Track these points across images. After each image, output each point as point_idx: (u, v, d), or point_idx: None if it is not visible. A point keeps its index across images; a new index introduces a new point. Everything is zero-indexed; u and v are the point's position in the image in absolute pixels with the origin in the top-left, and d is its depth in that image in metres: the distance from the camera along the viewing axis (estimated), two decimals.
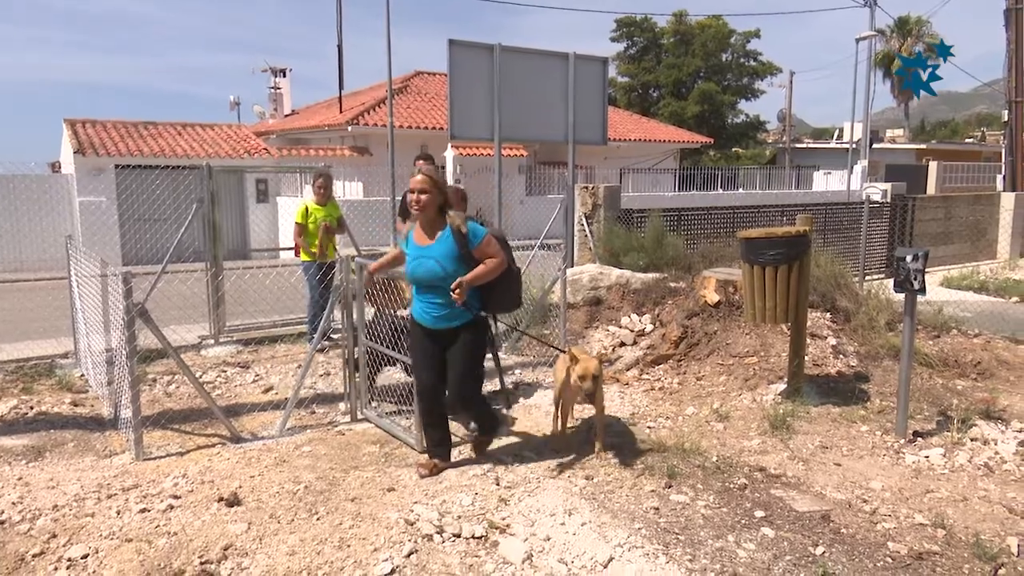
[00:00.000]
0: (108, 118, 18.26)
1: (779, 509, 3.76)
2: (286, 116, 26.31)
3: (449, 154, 19.31)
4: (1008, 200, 17.15)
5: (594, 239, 9.46)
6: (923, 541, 3.46)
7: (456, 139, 8.13)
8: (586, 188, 9.75)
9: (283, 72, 26.26)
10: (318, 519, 3.60)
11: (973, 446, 4.50)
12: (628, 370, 6.17)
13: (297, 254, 7.38)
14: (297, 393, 5.05)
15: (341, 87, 22.27)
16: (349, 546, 3.34)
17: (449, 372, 4.08)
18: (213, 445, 4.65)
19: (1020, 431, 4.68)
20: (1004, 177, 18.36)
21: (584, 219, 9.60)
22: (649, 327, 6.73)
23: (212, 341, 7.33)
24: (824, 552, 3.34)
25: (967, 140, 46.93)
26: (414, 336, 4.17)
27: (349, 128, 20.15)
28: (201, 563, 3.18)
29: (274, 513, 3.65)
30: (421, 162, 6.65)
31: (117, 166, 16.07)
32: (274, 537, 3.42)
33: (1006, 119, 18.56)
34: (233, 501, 3.74)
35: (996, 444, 4.51)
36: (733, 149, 39.31)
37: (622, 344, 6.66)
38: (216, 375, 6.33)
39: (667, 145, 27.09)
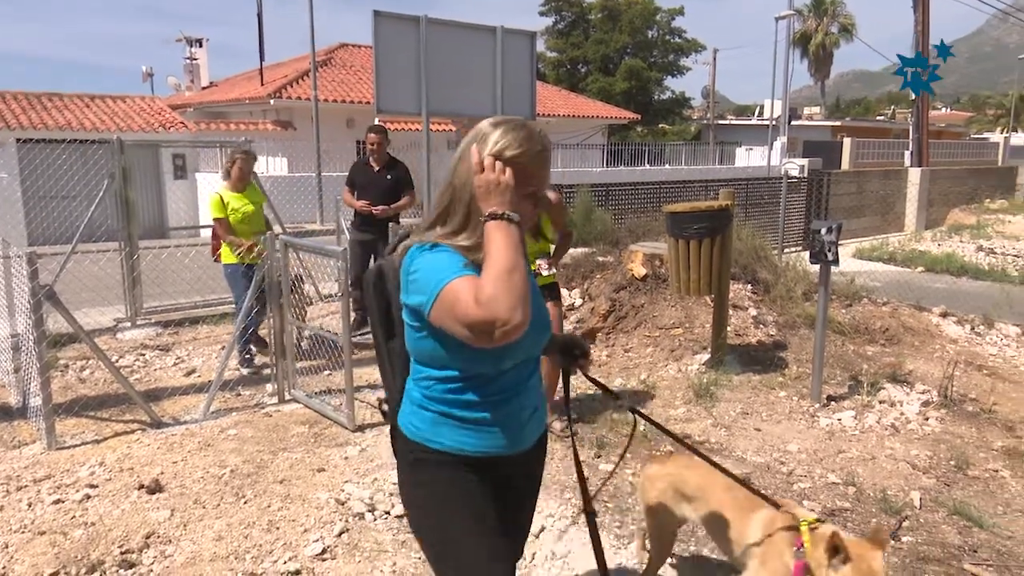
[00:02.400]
0: (8, 88, 17.10)
1: None
2: (203, 88, 25.22)
3: None
4: (915, 175, 18.08)
5: None
6: (836, 498, 3.65)
7: (383, 113, 7.94)
8: None
9: (199, 42, 25.11)
10: (246, 503, 3.53)
11: (881, 408, 4.77)
12: None
13: (216, 255, 5.80)
14: (221, 375, 4.91)
15: (262, 59, 21.50)
16: (278, 528, 3.29)
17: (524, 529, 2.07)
18: (132, 431, 4.48)
19: (923, 392, 4.98)
20: (911, 153, 19.31)
21: None
22: (578, 301, 6.82)
23: (129, 324, 7.02)
24: None
25: (878, 117, 49.12)
26: (470, 502, 1.79)
27: (271, 101, 19.49)
28: (121, 553, 3.07)
29: (199, 498, 3.56)
30: (373, 135, 6.85)
31: (19, 140, 15.09)
32: (199, 523, 3.34)
33: (913, 97, 19.48)
34: (155, 488, 3.62)
35: (902, 405, 4.78)
36: (659, 125, 39.97)
37: None
38: (134, 359, 6.08)
39: (595, 121, 27.31)
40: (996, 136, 35.99)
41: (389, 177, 6.77)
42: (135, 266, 6.99)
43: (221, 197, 5.71)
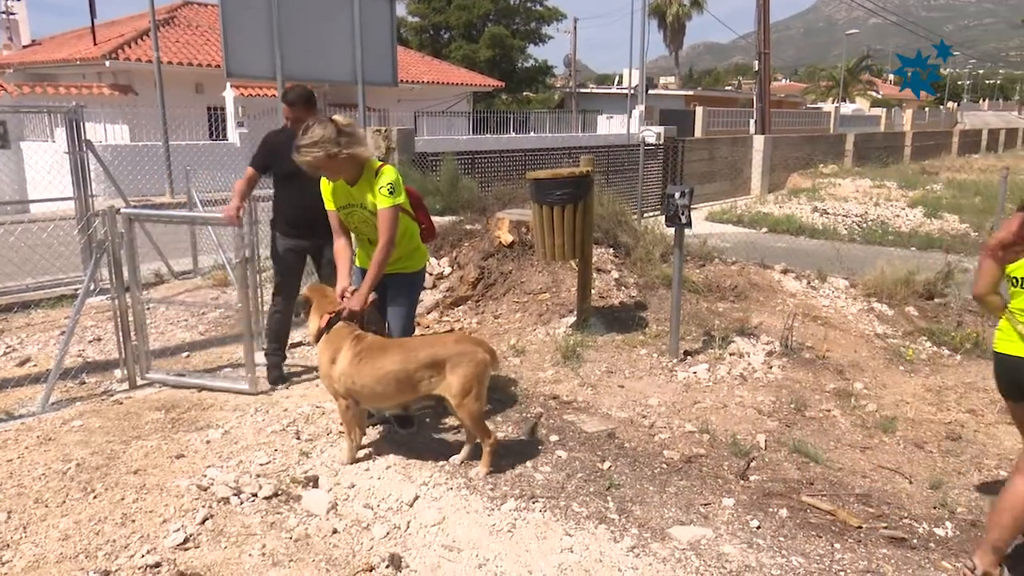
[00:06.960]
0: None
1: (571, 432, 4.04)
2: (25, 47, 22.69)
3: (228, 95, 17.87)
4: (759, 142, 19.37)
5: None
6: (692, 446, 3.91)
7: (233, 77, 7.49)
8: (379, 131, 9.51)
9: None
10: (95, 497, 3.29)
11: (731, 360, 5.12)
12: (428, 313, 6.22)
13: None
14: (61, 362, 4.50)
15: (93, 15, 19.57)
16: (134, 521, 3.10)
17: None
18: None
19: (768, 344, 5.40)
20: (756, 121, 20.64)
21: None
22: (447, 270, 6.81)
23: None
24: (610, 466, 3.66)
25: (727, 88, 52.05)
26: None
27: (107, 63, 17.89)
28: None
29: (40, 497, 3.27)
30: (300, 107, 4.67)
31: None
32: (42, 523, 3.08)
33: (757, 68, 20.77)
34: None
35: (749, 356, 5.17)
36: (524, 93, 40.27)
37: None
38: None
39: (460, 88, 27.12)
40: (828, 106, 39.17)
41: None
42: None
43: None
